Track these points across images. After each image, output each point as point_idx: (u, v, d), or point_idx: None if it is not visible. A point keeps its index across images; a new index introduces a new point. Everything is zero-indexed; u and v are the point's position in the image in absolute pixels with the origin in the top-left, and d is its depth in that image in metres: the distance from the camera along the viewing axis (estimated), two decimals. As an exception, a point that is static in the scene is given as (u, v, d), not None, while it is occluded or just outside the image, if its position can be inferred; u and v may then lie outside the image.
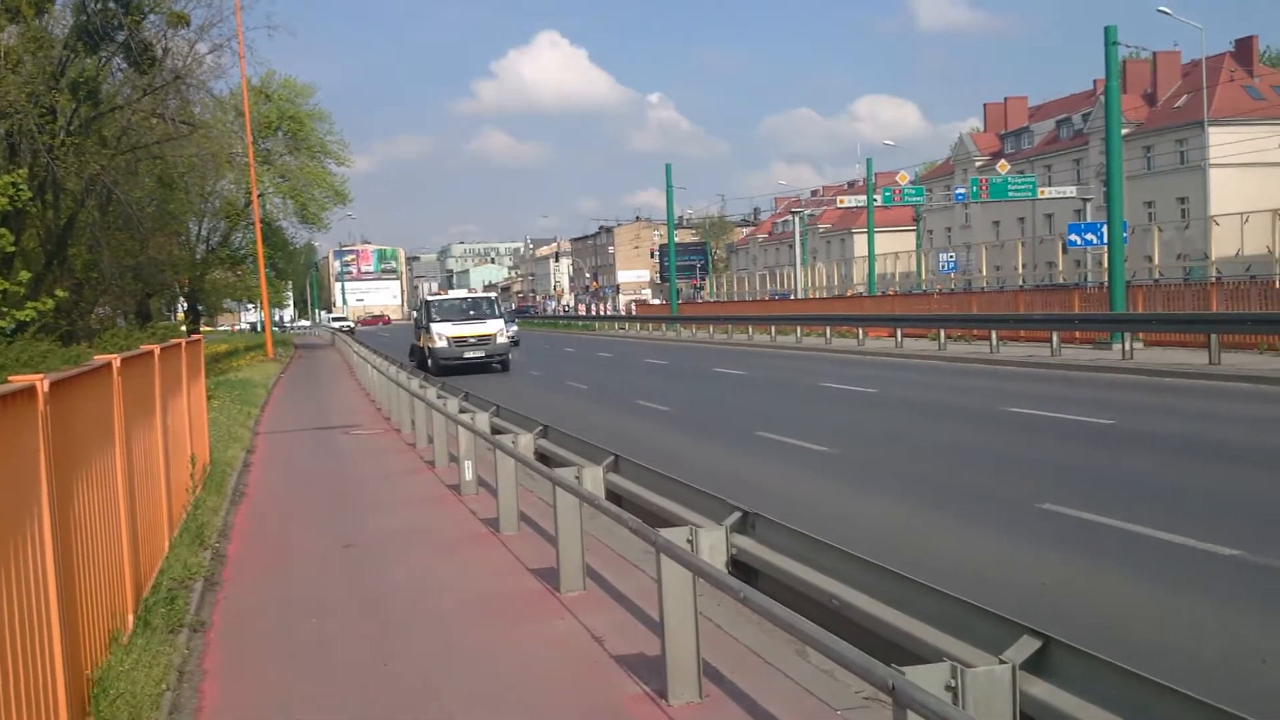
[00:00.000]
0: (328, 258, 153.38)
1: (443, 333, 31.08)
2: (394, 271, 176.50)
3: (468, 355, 30.78)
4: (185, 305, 50.87)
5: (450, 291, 39.03)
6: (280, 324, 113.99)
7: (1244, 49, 64.29)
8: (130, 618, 6.50)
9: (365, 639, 6.70)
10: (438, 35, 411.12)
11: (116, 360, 6.70)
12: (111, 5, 25.73)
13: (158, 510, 8.40)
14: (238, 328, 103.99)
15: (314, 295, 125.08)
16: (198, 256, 46.09)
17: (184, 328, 38.58)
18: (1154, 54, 65.97)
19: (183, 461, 10.60)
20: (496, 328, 31.53)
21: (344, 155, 52.62)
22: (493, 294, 38.23)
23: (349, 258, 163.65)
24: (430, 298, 34.52)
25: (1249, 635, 6.13)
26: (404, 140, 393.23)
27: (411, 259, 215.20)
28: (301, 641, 6.76)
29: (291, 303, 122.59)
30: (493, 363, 31.10)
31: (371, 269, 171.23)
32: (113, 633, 5.98)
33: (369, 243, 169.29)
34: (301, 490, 12.73)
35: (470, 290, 41.51)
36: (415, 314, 39.15)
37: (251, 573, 8.64)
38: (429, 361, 31.00)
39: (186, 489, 10.65)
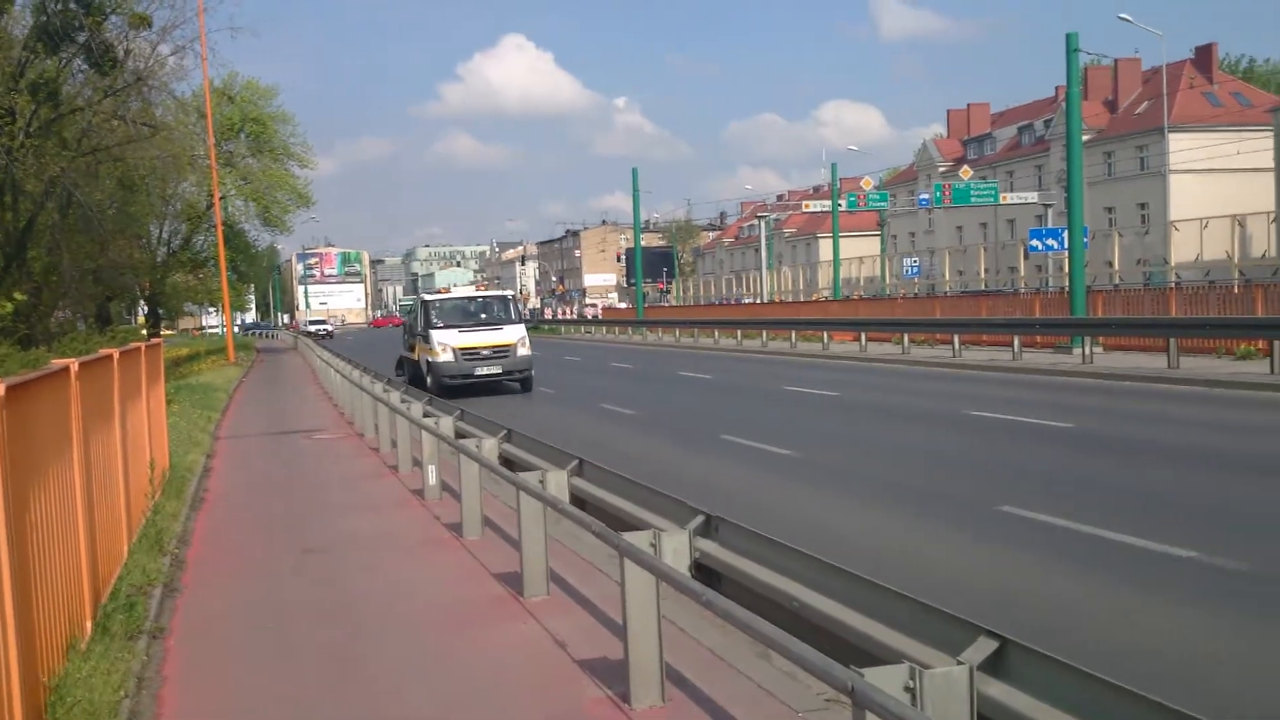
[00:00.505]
0: (291, 261, 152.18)
1: (447, 343, 23.95)
2: (358, 275, 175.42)
3: (480, 372, 23.81)
4: (146, 309, 50.33)
5: (455, 288, 30.36)
6: (252, 326, 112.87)
7: (1204, 56, 65.21)
8: (88, 624, 6.43)
9: (326, 644, 6.66)
10: (402, 38, 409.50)
11: (74, 365, 6.63)
12: (72, 6, 25.49)
13: (116, 516, 8.31)
14: (199, 331, 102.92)
15: (276, 299, 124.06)
16: (159, 260, 45.64)
17: (145, 331, 38.20)
18: (1115, 61, 66.81)
19: (142, 467, 10.49)
20: (516, 336, 24.26)
21: (307, 157, 52.31)
22: (508, 292, 28.72)
23: (312, 261, 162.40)
24: (429, 297, 26.70)
25: (1205, 636, 6.22)
26: (368, 143, 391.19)
27: (376, 262, 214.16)
28: (262, 648, 6.71)
29: (254, 306, 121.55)
30: (511, 381, 24.44)
31: (335, 272, 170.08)
32: (70, 640, 5.91)
33: (333, 245, 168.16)
34: (262, 495, 12.63)
35: (479, 286, 32.87)
36: (406, 318, 31.56)
37: (212, 578, 8.56)
38: (427, 379, 24.15)
39: (146, 494, 10.55)
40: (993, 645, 4.04)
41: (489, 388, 24.07)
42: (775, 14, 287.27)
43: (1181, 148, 58.33)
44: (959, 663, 3.98)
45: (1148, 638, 6.23)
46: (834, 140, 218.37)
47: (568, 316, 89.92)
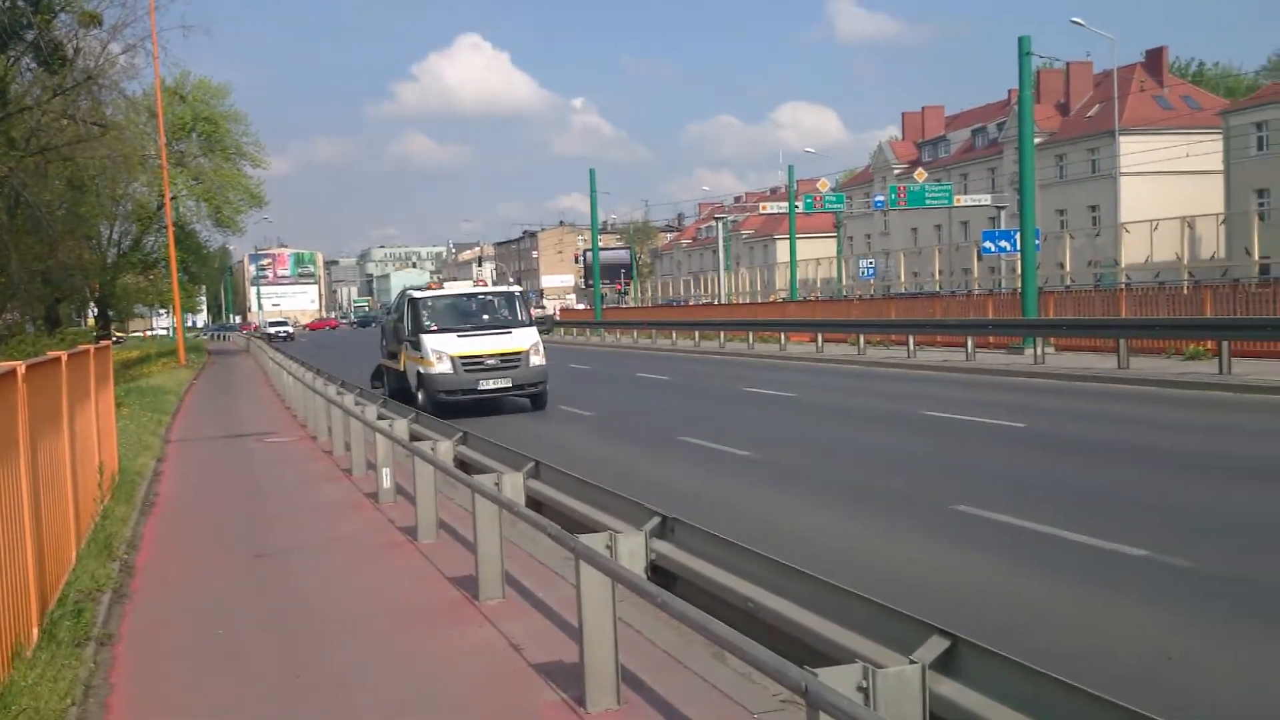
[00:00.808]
0: (243, 262, 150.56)
1: (444, 350, 19.82)
2: (312, 275, 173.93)
3: (485, 386, 19.84)
4: (96, 311, 49.57)
5: (449, 284, 24.34)
6: (217, 328, 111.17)
7: (1154, 60, 66.17)
8: (35, 631, 6.31)
9: (278, 650, 6.59)
10: (357, 37, 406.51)
11: (21, 367, 6.51)
12: (20, 4, 25.10)
13: (64, 521, 8.17)
14: (149, 333, 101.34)
15: (228, 300, 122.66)
16: (109, 261, 44.95)
17: (96, 334, 37.61)
18: (1067, 64, 67.66)
19: (91, 471, 10.33)
20: (528, 341, 20.26)
21: (260, 157, 51.78)
22: (515, 287, 24.15)
23: (265, 261, 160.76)
24: (418, 294, 21.74)
25: (1156, 633, 6.31)
26: (322, 142, 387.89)
27: (330, 263, 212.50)
28: (212, 654, 6.62)
29: (205, 308, 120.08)
30: (522, 396, 20.49)
31: (288, 273, 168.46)
32: (15, 647, 5.80)
33: (286, 246, 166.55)
34: (213, 499, 12.47)
35: (478, 282, 27.08)
36: (385, 320, 26.78)
37: (161, 584, 8.44)
38: (418, 393, 20.11)
39: (95, 499, 10.38)
40: (944, 644, 4.05)
41: (494, 405, 20.36)
42: (732, 16, 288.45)
43: (1132, 150, 59.18)
44: (911, 662, 4.00)
45: (1100, 635, 6.31)
46: (791, 142, 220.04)
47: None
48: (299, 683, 5.97)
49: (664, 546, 6.20)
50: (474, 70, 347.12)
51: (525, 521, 6.56)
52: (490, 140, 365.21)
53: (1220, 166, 55.69)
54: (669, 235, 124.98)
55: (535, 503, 8.40)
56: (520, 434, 15.76)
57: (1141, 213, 50.83)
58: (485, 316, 21.28)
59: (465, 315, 21.22)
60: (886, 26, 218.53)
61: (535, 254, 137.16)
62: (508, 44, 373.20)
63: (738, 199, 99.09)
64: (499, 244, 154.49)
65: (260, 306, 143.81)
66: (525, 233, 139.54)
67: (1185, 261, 40.80)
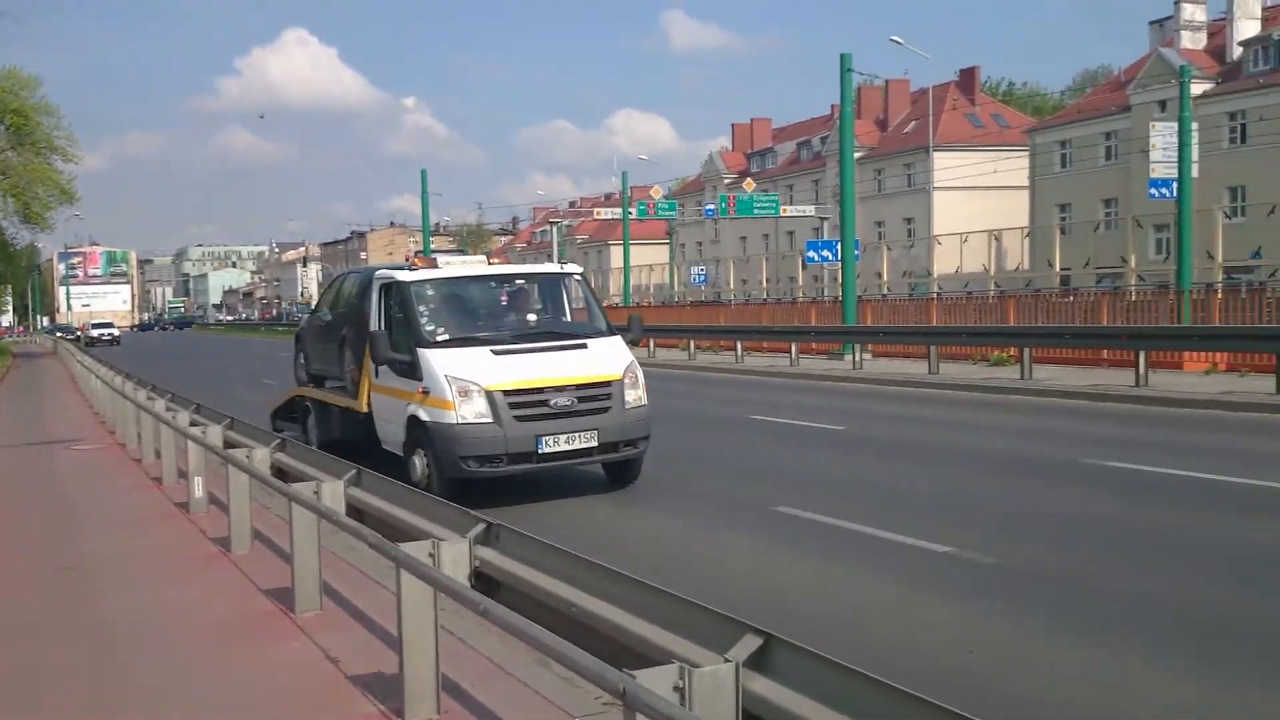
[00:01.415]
0: (52, 260, 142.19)
1: (472, 378, 10.66)
2: (125, 275, 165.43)
3: (552, 447, 10.69)
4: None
5: (445, 262, 12.49)
6: (58, 328, 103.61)
7: (967, 79, 69.42)
8: None
9: (82, 669, 6.23)
10: (178, 29, 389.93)
11: None
12: None
13: None
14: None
15: (36, 300, 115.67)
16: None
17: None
18: (886, 82, 70.36)
19: None
20: (617, 362, 11.41)
21: (73, 152, 48.95)
22: (573, 268, 13.18)
23: (75, 260, 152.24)
24: (406, 277, 11.80)
25: (958, 627, 6.62)
26: (139, 137, 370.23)
27: (144, 262, 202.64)
28: (10, 674, 6.22)
29: (10, 308, 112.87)
30: (609, 462, 11.53)
31: (100, 272, 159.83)
32: None
33: (98, 244, 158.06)
34: (12, 510, 11.72)
35: (490, 260, 14.94)
36: (312, 323, 15.99)
37: (-52, 603, 7.88)
38: (415, 455, 11.05)
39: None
40: (758, 642, 4.16)
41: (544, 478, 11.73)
42: (567, 22, 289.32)
43: (945, 166, 61.99)
44: (726, 660, 4.09)
45: (905, 629, 6.58)
46: (625, 149, 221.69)
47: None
48: (102, 704, 5.66)
49: (488, 553, 6.17)
50: (301, 65, 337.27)
51: (344, 530, 6.40)
52: (318, 138, 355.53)
53: (1026, 182, 58.94)
54: (503, 239, 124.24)
55: (357, 511, 8.23)
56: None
57: (953, 226, 53.33)
58: (530, 318, 12.13)
59: (493, 315, 12.18)
60: (717, 38, 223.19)
61: (364, 255, 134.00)
62: (336, 40, 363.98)
63: (573, 204, 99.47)
64: (325, 244, 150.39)
65: (70, 307, 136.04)
66: (354, 233, 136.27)
67: (992, 272, 43.03)
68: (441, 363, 10.74)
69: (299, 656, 6.22)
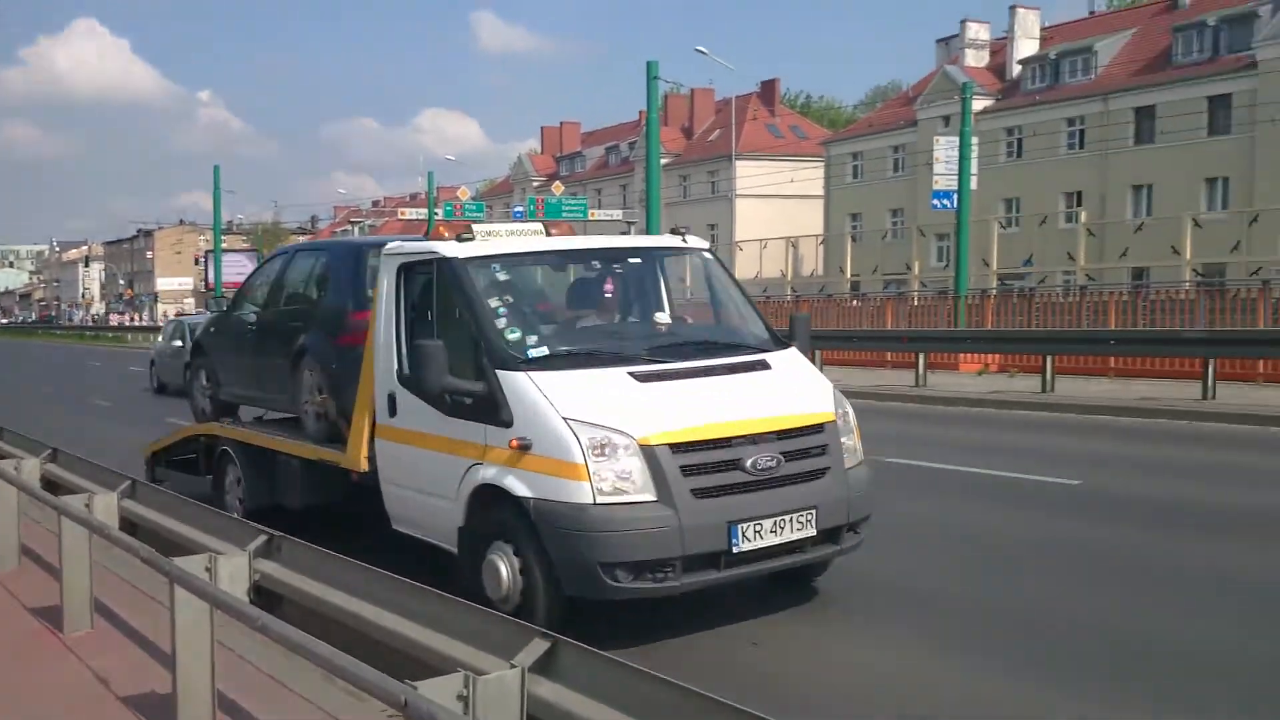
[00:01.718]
0: None
1: (614, 424, 6.13)
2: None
3: (753, 541, 6.24)
4: None
5: (493, 231, 7.34)
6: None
7: (768, 90, 71.52)
8: None
9: None
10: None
11: None
12: None
13: None
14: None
15: None
16: None
17: None
18: (691, 90, 71.89)
19: None
20: (821, 393, 7.23)
21: None
22: (698, 243, 8.61)
23: None
24: (458, 252, 6.95)
25: (743, 621, 6.81)
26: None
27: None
28: None
29: None
30: (821, 557, 6.86)
31: None
32: None
33: None
34: None
35: (561, 228, 8.45)
36: (219, 322, 10.99)
37: None
38: (501, 561, 6.34)
39: None
40: (545, 646, 4.18)
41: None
42: (371, 19, 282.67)
43: (747, 174, 63.80)
44: (512, 666, 4.09)
45: (689, 626, 6.72)
46: (433, 149, 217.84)
47: (138, 323, 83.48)
48: None
49: (269, 566, 5.98)
50: (89, 56, 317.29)
51: (117, 545, 6.08)
52: (104, 131, 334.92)
53: (822, 191, 61.32)
54: (301, 238, 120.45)
55: (132, 524, 7.83)
56: (119, 449, 14.27)
57: (754, 232, 55.01)
58: (660, 319, 7.91)
59: (610, 316, 7.85)
60: (526, 40, 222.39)
61: (150, 254, 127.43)
62: (128, 31, 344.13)
63: (376, 203, 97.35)
64: (109, 243, 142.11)
65: None
66: (140, 231, 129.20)
67: (789, 277, 44.60)
68: (553, 395, 6.32)
69: (67, 678, 5.89)
